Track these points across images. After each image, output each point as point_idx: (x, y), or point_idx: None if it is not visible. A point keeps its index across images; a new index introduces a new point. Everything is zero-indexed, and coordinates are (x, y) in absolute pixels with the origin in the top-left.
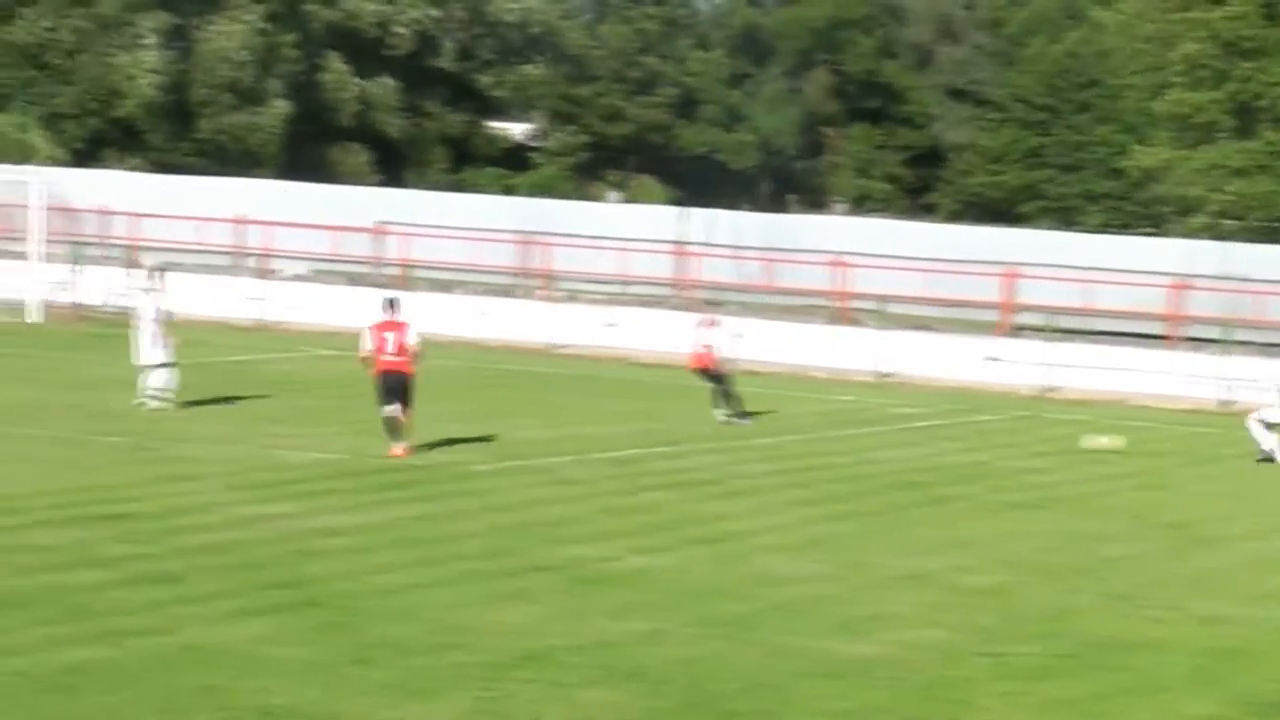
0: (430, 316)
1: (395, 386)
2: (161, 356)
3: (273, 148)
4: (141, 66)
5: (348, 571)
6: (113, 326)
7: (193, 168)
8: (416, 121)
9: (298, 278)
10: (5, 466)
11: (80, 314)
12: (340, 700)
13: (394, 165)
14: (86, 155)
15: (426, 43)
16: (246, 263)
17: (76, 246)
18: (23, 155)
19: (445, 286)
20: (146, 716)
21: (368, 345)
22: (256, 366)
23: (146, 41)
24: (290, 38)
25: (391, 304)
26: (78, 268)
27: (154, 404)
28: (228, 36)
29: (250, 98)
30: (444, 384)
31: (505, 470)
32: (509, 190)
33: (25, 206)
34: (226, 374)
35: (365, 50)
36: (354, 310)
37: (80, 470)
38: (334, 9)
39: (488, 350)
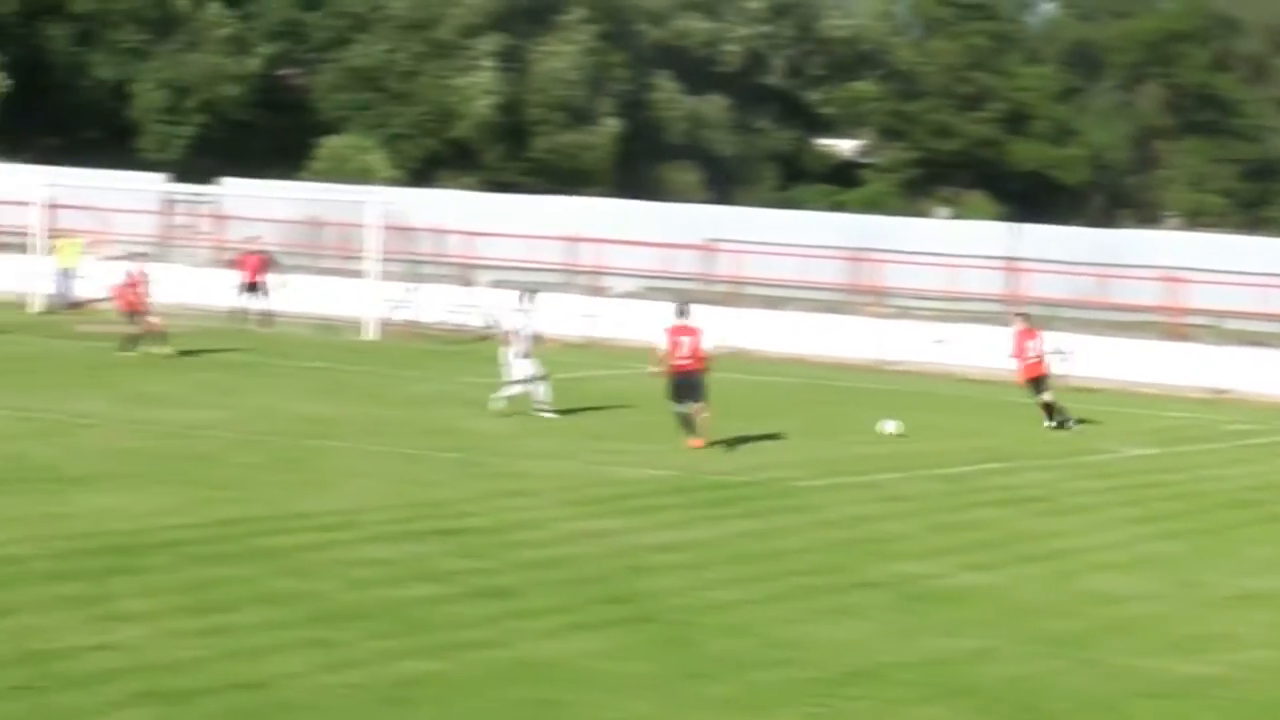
0: (759, 333)
1: (688, 385)
2: (533, 370)
3: (604, 166)
4: (477, 87)
5: (680, 587)
6: (447, 344)
7: (525, 186)
8: (746, 138)
9: (628, 295)
10: (346, 481)
11: (416, 331)
12: (674, 715)
13: (723, 182)
14: (423, 175)
15: (756, 60)
16: (577, 280)
17: (413, 265)
18: (362, 176)
19: (774, 303)
20: None
21: (663, 347)
22: (587, 383)
23: (482, 63)
24: (621, 57)
25: (683, 310)
26: (414, 286)
27: (546, 415)
28: (560, 57)
29: (582, 117)
30: (773, 400)
31: (834, 486)
32: (838, 206)
33: (364, 226)
34: (557, 390)
35: (695, 68)
36: None
37: (417, 485)
38: (664, 28)
39: (817, 366)
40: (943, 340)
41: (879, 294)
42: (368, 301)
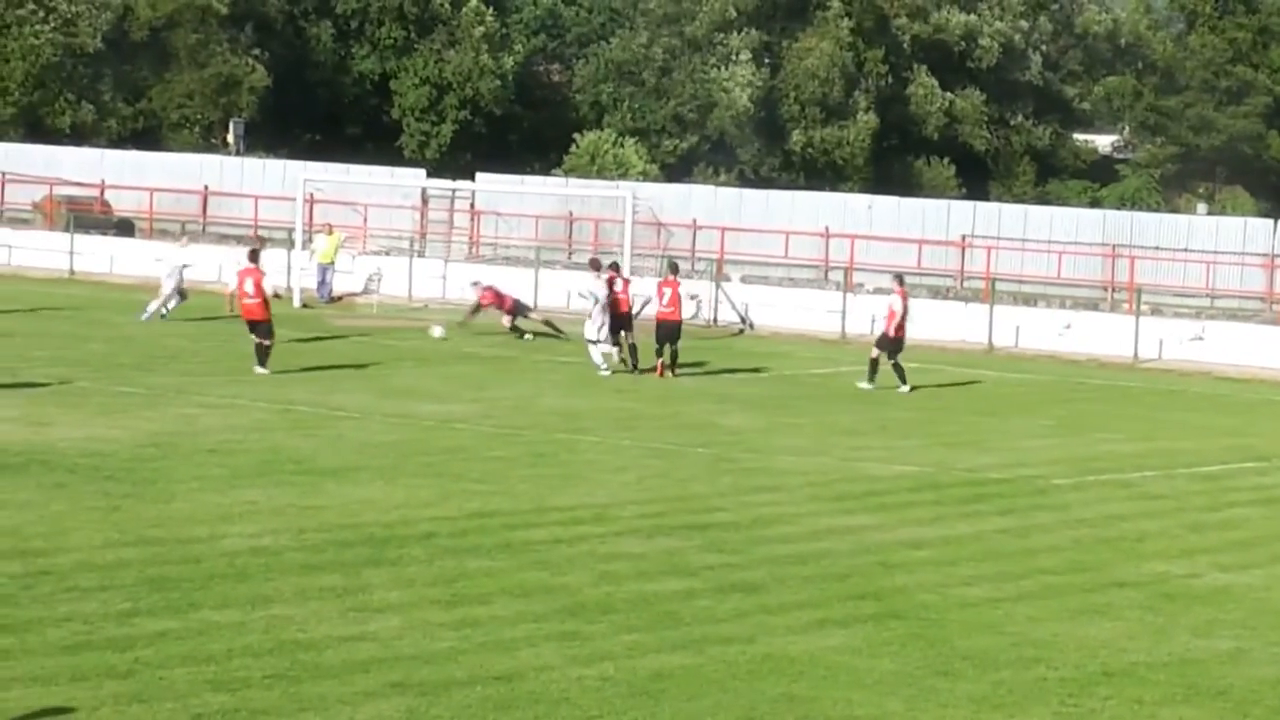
0: (1014, 329)
1: (667, 330)
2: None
3: (859, 161)
4: (733, 82)
5: (930, 584)
6: (701, 340)
7: (780, 182)
8: (1001, 134)
9: (881, 291)
10: (597, 475)
11: None
12: (923, 712)
13: (978, 178)
14: (679, 170)
15: (1012, 54)
16: (831, 276)
17: (667, 260)
18: (619, 170)
19: (1029, 300)
20: None
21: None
22: (838, 380)
23: (738, 58)
24: (878, 52)
25: (674, 267)
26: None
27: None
28: (817, 53)
29: (838, 112)
30: (1027, 397)
31: (1087, 484)
32: (1095, 203)
33: (619, 221)
34: (809, 386)
35: (951, 63)
36: (937, 323)
37: (668, 480)
38: (922, 22)
39: (1072, 364)
40: (1200, 338)
41: (1136, 291)
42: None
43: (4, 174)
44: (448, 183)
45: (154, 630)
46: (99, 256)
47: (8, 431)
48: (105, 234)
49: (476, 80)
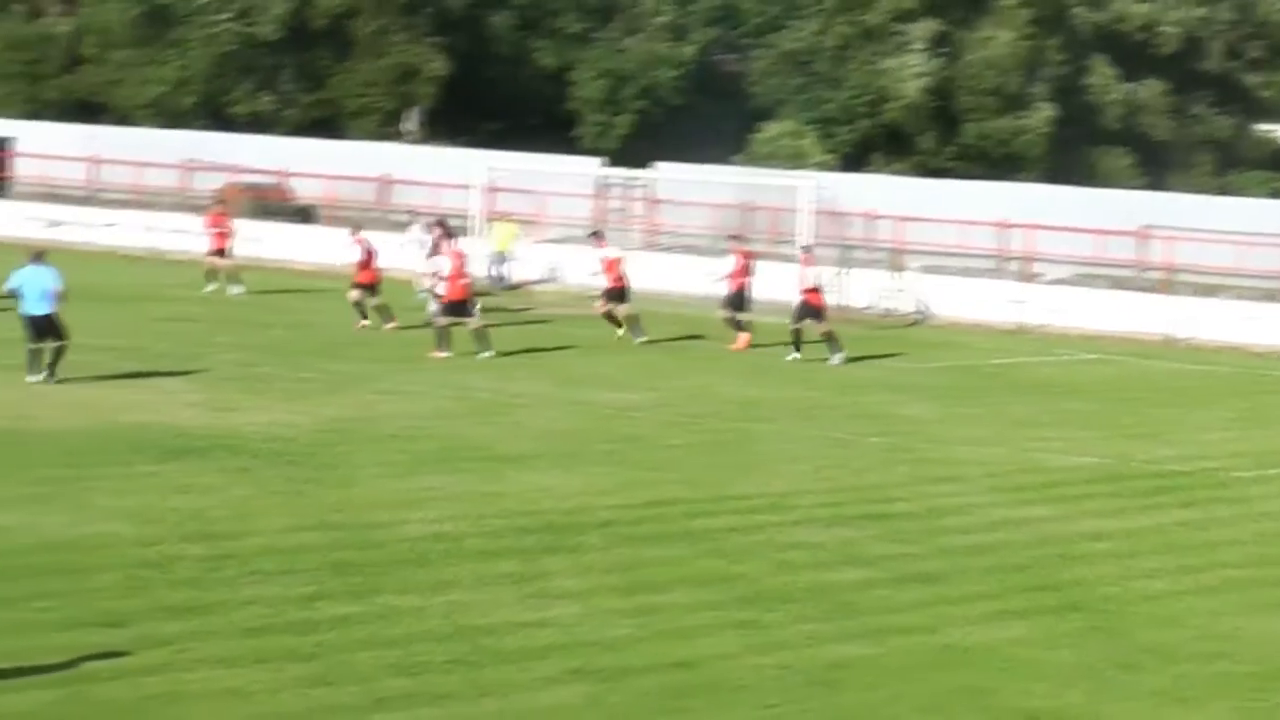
0: (1194, 321)
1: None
2: None
3: (1036, 151)
4: (909, 72)
5: (1110, 576)
6: (876, 328)
7: (957, 171)
8: (1182, 124)
9: (1059, 281)
10: (775, 464)
11: (845, 316)
12: (1103, 704)
13: (1157, 168)
14: (855, 160)
15: (1193, 44)
16: (1009, 266)
17: (844, 249)
18: (795, 160)
19: (1210, 291)
20: (908, 715)
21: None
22: (1016, 370)
23: (914, 47)
24: (1056, 41)
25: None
26: (844, 270)
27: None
28: (993, 43)
29: (1015, 102)
30: (1208, 389)
31: (1269, 477)
32: (1276, 194)
33: (795, 210)
34: (985, 377)
35: (1130, 52)
36: (1117, 315)
37: (846, 470)
38: (1102, 10)
39: (1255, 356)
40: None
41: None
42: (795, 286)
43: (189, 161)
44: (626, 171)
45: (336, 614)
46: (280, 244)
47: (192, 416)
48: (286, 221)
49: (655, 70)
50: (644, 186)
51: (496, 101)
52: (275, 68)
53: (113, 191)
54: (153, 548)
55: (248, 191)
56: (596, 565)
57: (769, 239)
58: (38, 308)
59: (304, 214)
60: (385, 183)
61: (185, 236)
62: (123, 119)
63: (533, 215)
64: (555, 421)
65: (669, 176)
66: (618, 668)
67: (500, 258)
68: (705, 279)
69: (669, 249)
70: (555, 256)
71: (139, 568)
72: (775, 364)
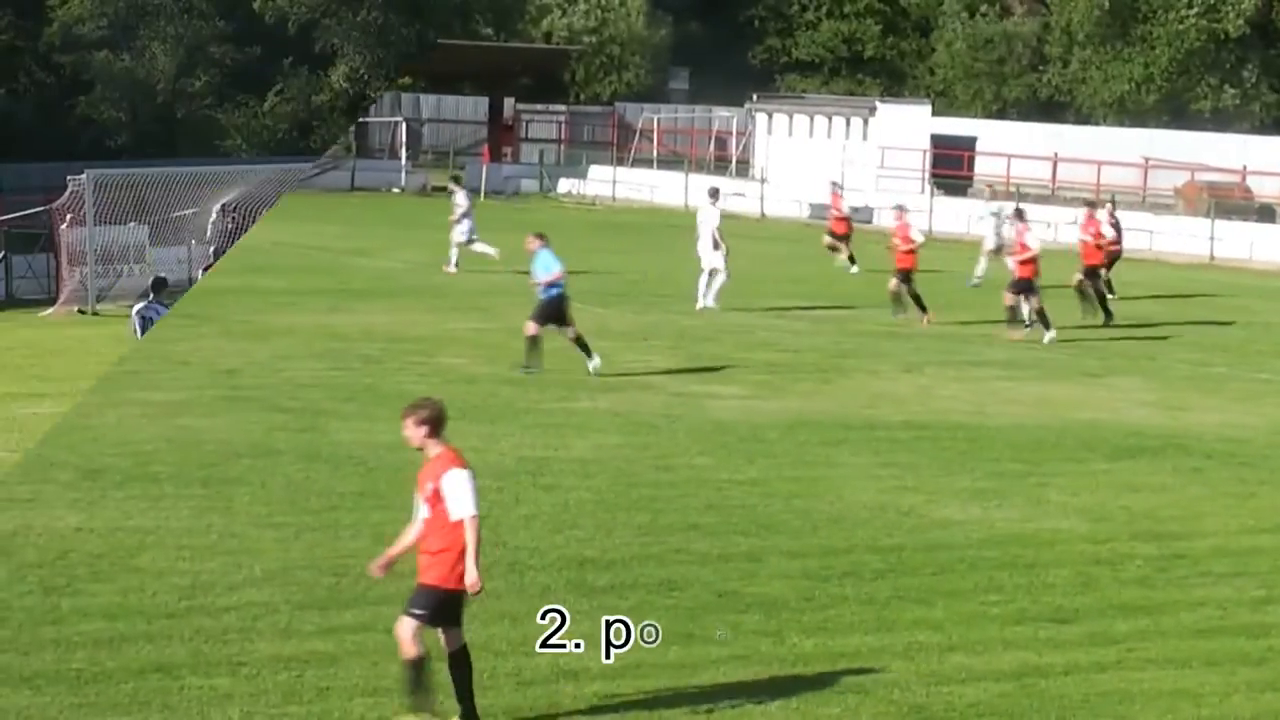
0: None
1: None
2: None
3: None
4: None
5: None
6: None
7: None
8: None
9: None
10: None
11: None
12: None
13: None
14: None
15: None
16: None
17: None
18: None
19: None
20: None
21: None
22: None
23: None
24: None
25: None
26: None
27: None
28: None
29: None
30: None
31: None
32: None
33: None
34: None
35: None
36: None
37: None
38: None
39: None
40: None
41: None
42: None
43: (1147, 159)
44: None
45: None
46: (1239, 243)
47: (1146, 416)
48: (1246, 220)
49: None
50: None
51: None
52: (1239, 63)
53: (1072, 189)
54: (1104, 545)
55: (1208, 190)
56: None
57: None
58: None
59: (1264, 213)
60: None
61: (1141, 235)
62: (1084, 118)
63: None
64: None
65: None
66: None
67: None
68: None
69: None
70: None
71: (1090, 565)
72: None
